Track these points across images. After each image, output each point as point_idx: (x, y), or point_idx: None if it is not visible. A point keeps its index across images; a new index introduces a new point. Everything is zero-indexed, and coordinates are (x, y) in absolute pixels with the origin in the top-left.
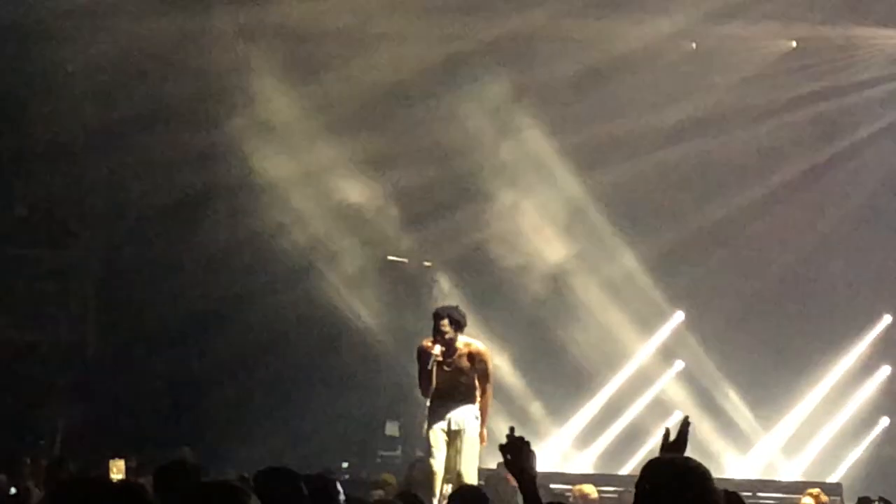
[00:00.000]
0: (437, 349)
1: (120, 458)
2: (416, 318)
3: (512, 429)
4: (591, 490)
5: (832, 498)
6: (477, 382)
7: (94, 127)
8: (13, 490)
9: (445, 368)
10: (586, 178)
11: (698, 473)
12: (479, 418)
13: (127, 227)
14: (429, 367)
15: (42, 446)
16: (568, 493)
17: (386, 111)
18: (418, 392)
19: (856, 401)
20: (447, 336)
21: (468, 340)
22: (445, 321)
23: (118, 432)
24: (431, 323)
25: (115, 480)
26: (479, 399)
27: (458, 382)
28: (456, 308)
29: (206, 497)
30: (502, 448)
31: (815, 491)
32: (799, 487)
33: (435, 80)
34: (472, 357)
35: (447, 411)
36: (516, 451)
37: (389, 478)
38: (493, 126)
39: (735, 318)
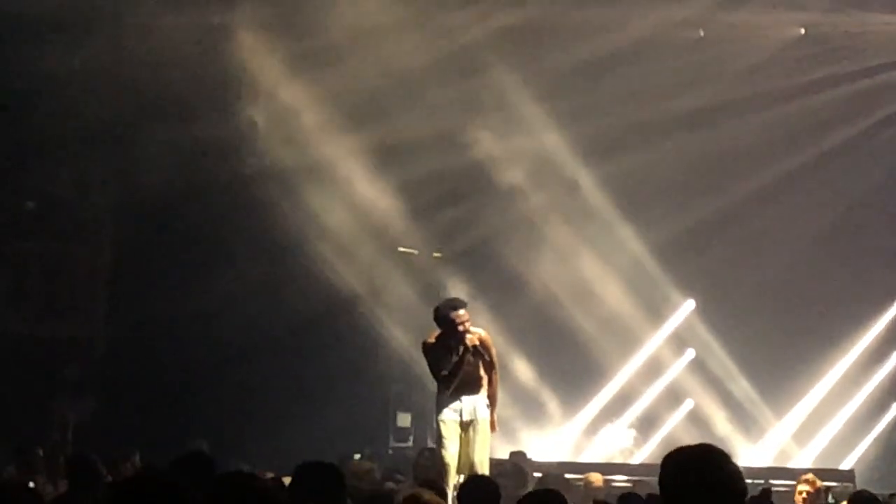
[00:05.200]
0: (469, 337)
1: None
2: (427, 308)
3: None
4: (596, 478)
5: (844, 484)
6: (483, 371)
7: (104, 120)
8: (31, 483)
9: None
10: (595, 167)
11: (717, 454)
12: (490, 406)
13: (137, 220)
14: (460, 354)
15: (56, 440)
16: (579, 483)
17: (395, 102)
18: (429, 382)
19: (868, 387)
20: (469, 325)
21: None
22: (462, 311)
23: (129, 426)
24: (441, 314)
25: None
26: (486, 387)
27: (466, 372)
28: (458, 298)
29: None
30: None
31: (810, 476)
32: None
33: (443, 71)
34: (477, 345)
35: (458, 401)
36: None
37: (365, 464)
38: (501, 117)
39: (746, 305)
